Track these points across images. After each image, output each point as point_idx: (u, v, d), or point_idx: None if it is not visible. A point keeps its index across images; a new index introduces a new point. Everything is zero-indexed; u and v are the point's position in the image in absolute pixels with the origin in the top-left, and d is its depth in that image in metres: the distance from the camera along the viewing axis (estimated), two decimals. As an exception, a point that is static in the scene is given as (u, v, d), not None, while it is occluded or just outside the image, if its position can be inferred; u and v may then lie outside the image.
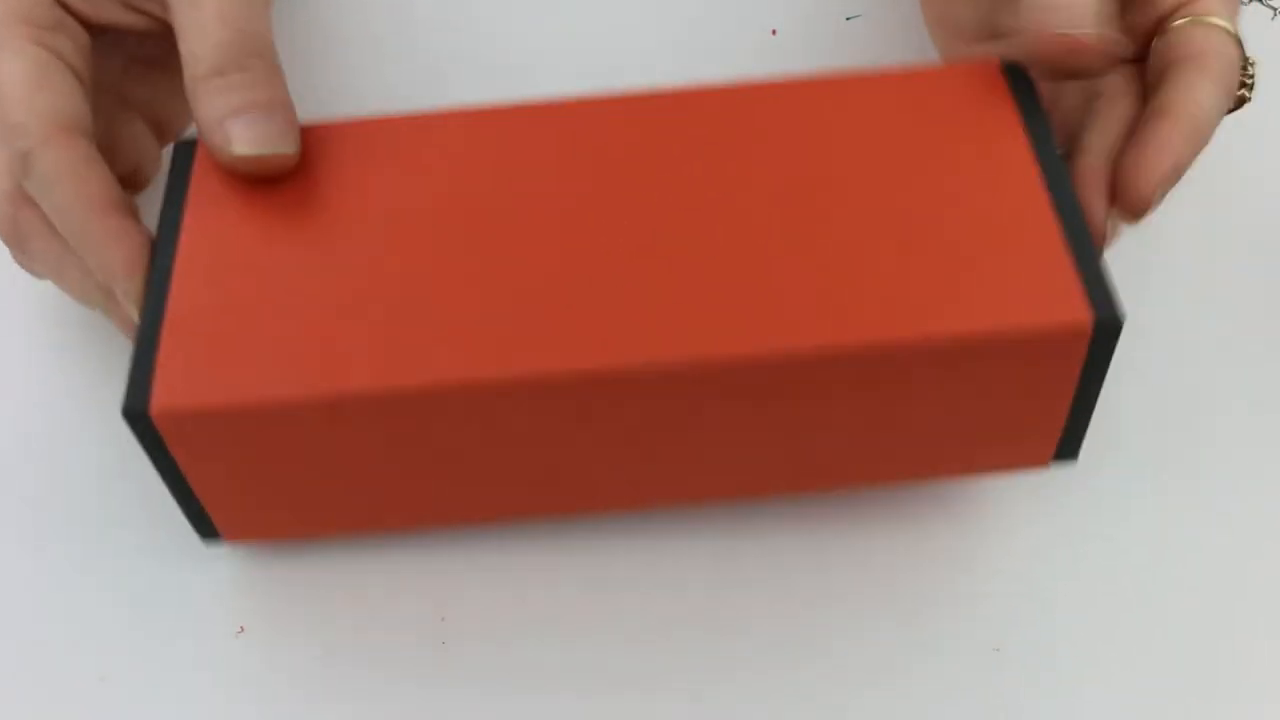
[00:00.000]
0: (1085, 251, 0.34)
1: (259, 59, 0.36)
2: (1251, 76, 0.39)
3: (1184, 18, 0.38)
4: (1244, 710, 0.37)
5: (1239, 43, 0.38)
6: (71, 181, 0.36)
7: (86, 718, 0.37)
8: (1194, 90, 0.37)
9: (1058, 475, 0.41)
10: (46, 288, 0.43)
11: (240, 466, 0.35)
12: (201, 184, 0.36)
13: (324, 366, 0.33)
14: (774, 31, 0.51)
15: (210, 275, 0.34)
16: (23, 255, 0.39)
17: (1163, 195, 0.36)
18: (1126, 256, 0.43)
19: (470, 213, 0.35)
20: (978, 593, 0.39)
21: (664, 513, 0.40)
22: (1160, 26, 0.38)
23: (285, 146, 0.36)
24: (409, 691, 0.37)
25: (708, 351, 0.33)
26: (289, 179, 0.36)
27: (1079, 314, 0.33)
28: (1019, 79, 0.37)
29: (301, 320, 0.34)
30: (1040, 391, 0.35)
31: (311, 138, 0.37)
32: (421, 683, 0.37)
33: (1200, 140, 0.37)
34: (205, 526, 0.37)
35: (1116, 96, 0.38)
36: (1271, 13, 0.50)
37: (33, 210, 0.38)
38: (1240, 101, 0.39)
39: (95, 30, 0.39)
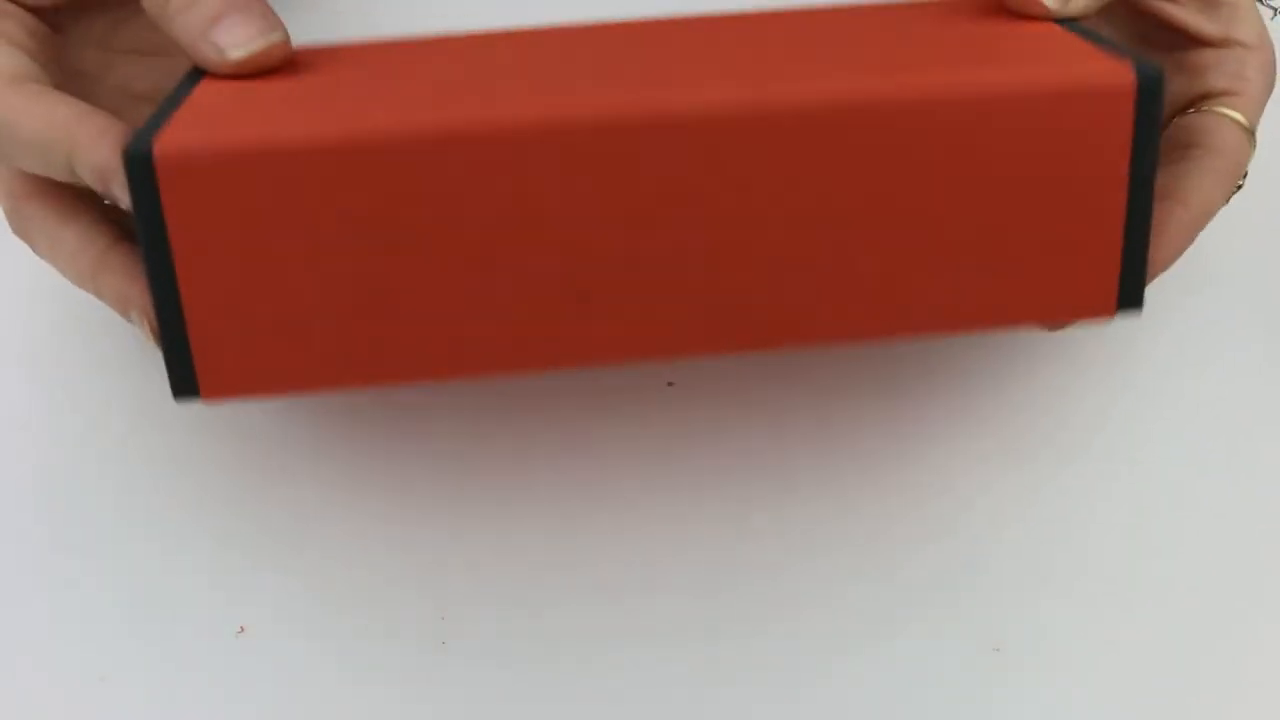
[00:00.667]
0: (1107, 44, 0.33)
1: None
2: (1246, 173, 0.40)
3: (1217, 106, 0.39)
4: (1244, 710, 0.37)
5: (1254, 147, 0.39)
6: (36, 106, 0.35)
7: (86, 718, 0.37)
8: (1206, 188, 0.38)
9: (1058, 475, 0.41)
10: (46, 286, 0.43)
11: (237, 259, 0.31)
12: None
13: (337, 116, 0.31)
14: None
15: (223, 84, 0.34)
16: (30, 242, 0.39)
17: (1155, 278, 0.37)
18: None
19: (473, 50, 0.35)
20: (978, 593, 0.39)
21: (663, 512, 0.40)
22: (1193, 105, 0.39)
23: (277, 34, 0.35)
24: (409, 691, 0.37)
25: (716, 98, 0.31)
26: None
27: (1120, 73, 0.31)
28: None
29: (314, 93, 0.33)
30: (1090, 178, 0.32)
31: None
32: (421, 683, 0.37)
33: (1197, 234, 0.38)
34: (184, 374, 0.33)
35: None
36: (1271, 13, 0.50)
37: (33, 200, 0.37)
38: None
39: (46, 14, 0.39)
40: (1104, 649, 0.38)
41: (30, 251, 0.41)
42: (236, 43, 0.35)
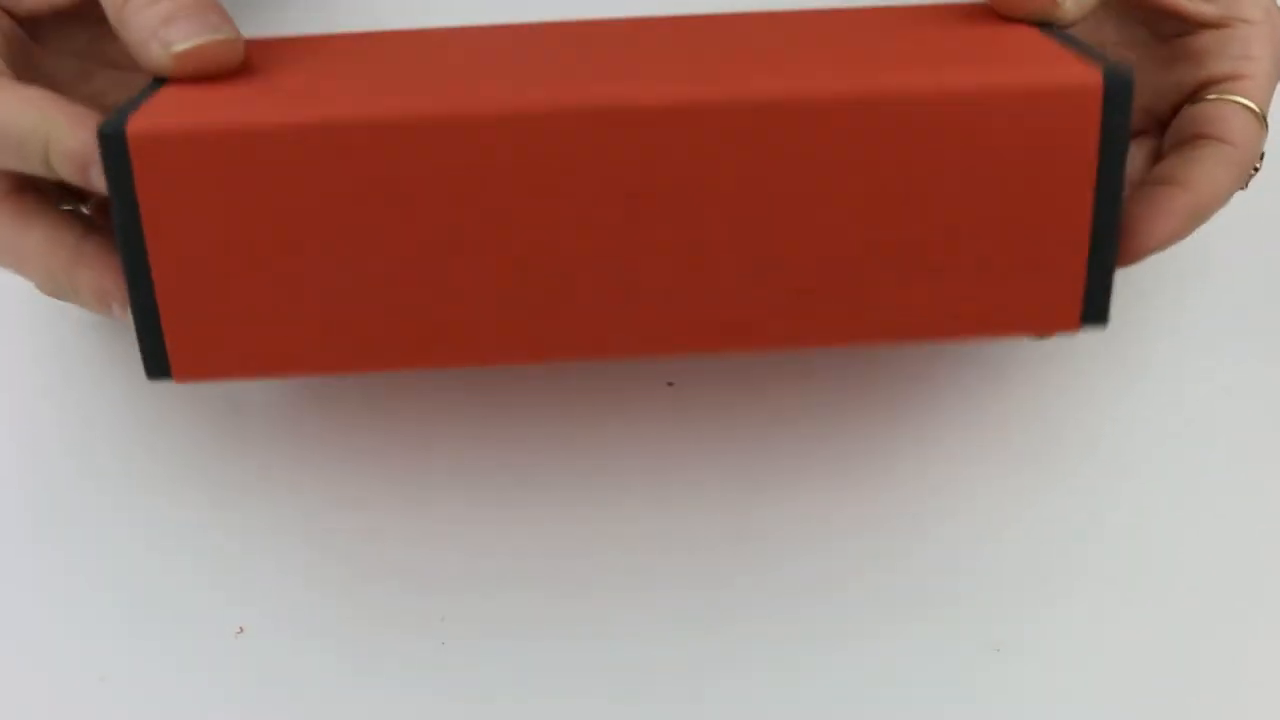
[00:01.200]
0: (1085, 50, 0.33)
1: None
2: (1262, 155, 0.39)
3: (1224, 93, 0.38)
4: (1245, 710, 0.37)
5: (1266, 129, 0.38)
6: (4, 101, 0.35)
7: (87, 718, 0.37)
8: (1215, 175, 0.37)
9: (1058, 475, 0.41)
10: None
11: (210, 242, 0.32)
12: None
13: (309, 100, 0.32)
14: None
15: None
16: None
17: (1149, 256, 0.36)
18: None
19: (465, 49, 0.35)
20: (978, 593, 0.39)
21: (664, 510, 0.40)
22: (1198, 92, 0.38)
23: (223, 34, 0.35)
24: (409, 691, 0.37)
25: (698, 93, 0.31)
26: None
27: (1088, 75, 0.31)
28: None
29: (285, 82, 0.33)
30: (1055, 187, 0.32)
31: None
32: (421, 682, 0.37)
33: (1202, 221, 0.37)
34: (157, 356, 0.33)
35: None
36: None
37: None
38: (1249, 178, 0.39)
39: (25, 23, 0.39)
40: (1104, 649, 0.38)
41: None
42: (181, 36, 0.35)
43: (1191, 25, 0.39)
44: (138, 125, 0.30)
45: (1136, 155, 0.40)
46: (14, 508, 0.40)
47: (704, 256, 0.33)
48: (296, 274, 0.32)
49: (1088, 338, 0.42)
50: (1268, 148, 0.39)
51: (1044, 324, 0.34)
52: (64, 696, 0.37)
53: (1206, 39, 0.39)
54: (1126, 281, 0.43)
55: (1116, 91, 0.31)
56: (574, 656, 0.38)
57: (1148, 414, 0.42)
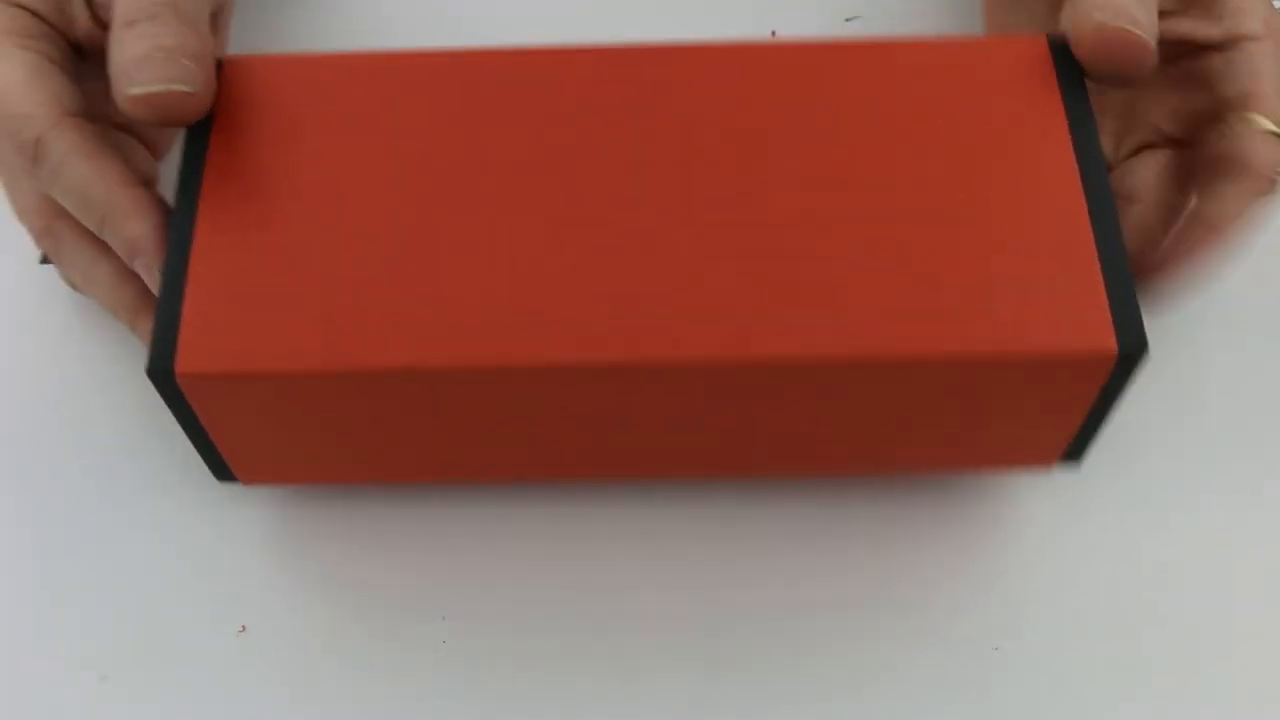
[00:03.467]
0: (1116, 270, 0.33)
1: (168, 9, 0.36)
2: None
3: (1239, 119, 0.37)
4: (1245, 710, 0.37)
5: None
6: (86, 158, 0.36)
7: (87, 717, 0.37)
8: (1239, 204, 0.37)
9: (1058, 475, 0.41)
10: (49, 286, 0.43)
11: (258, 421, 0.35)
12: (218, 149, 0.35)
13: (340, 339, 0.33)
14: (773, 32, 0.51)
15: (231, 238, 0.34)
16: (60, 265, 0.40)
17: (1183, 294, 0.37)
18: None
19: (483, 170, 0.35)
20: (978, 593, 0.39)
21: (663, 513, 0.40)
22: (1214, 117, 0.38)
23: (181, 84, 0.35)
24: (409, 691, 0.37)
25: (720, 353, 0.32)
26: (312, 120, 0.36)
27: (1104, 342, 0.32)
28: (1064, 58, 0.36)
29: (318, 288, 0.34)
30: (1057, 405, 0.35)
31: (321, 70, 0.36)
32: (421, 682, 0.37)
33: (1219, 249, 0.37)
34: (222, 471, 0.37)
35: (1152, 172, 0.39)
36: None
37: (66, 219, 0.38)
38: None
39: (73, 46, 0.39)
40: (1104, 649, 0.38)
41: (22, 253, 0.41)
42: (139, 80, 0.35)
43: (1197, 49, 0.38)
44: (183, 366, 0.33)
45: (1150, 167, 0.39)
46: (14, 507, 0.40)
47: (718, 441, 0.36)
48: (336, 444, 0.36)
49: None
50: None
51: (1028, 467, 0.38)
52: (64, 696, 0.37)
53: (1214, 61, 0.38)
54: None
55: (1127, 363, 0.33)
56: (574, 657, 0.38)
57: (1150, 412, 0.42)
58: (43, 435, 0.41)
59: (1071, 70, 0.35)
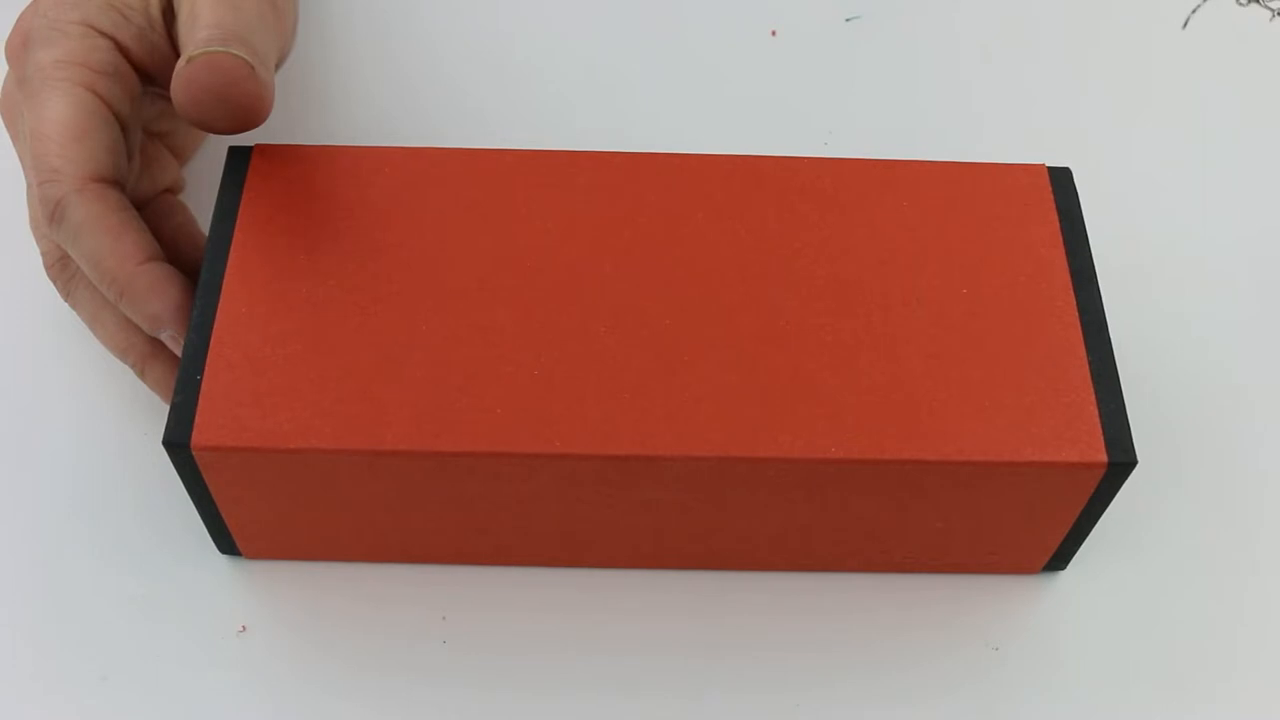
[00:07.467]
0: (1108, 384, 0.35)
1: (241, 43, 0.37)
2: None
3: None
4: (1244, 710, 0.37)
5: None
6: (105, 232, 0.37)
7: (88, 717, 0.37)
8: None
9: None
10: (47, 287, 0.43)
11: (267, 497, 0.36)
12: (245, 229, 0.37)
13: (357, 420, 0.34)
14: (774, 32, 0.51)
15: (254, 310, 0.35)
16: (68, 297, 0.40)
17: None
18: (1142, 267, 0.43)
19: (498, 263, 0.36)
20: (977, 593, 0.39)
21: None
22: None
23: (241, 51, 0.36)
24: (409, 691, 0.37)
25: (728, 451, 0.34)
26: (337, 208, 0.37)
27: (1094, 454, 0.34)
28: (1062, 183, 0.38)
29: (338, 367, 0.35)
30: (1044, 513, 0.36)
31: (349, 162, 0.38)
32: (421, 682, 0.37)
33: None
34: (226, 544, 0.39)
35: None
36: (1270, 14, 0.50)
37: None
38: None
39: (146, 79, 0.40)
40: (1103, 649, 0.38)
41: (25, 255, 0.41)
42: (202, 43, 0.36)
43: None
44: (199, 441, 0.34)
45: None
46: (14, 507, 0.40)
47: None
48: (344, 523, 0.37)
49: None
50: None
51: (1012, 572, 0.39)
52: (65, 696, 0.37)
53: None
54: (1142, 284, 0.43)
55: (1115, 473, 0.34)
56: (574, 657, 0.38)
57: (1153, 421, 0.42)
58: (44, 434, 0.41)
59: (1068, 195, 0.38)
